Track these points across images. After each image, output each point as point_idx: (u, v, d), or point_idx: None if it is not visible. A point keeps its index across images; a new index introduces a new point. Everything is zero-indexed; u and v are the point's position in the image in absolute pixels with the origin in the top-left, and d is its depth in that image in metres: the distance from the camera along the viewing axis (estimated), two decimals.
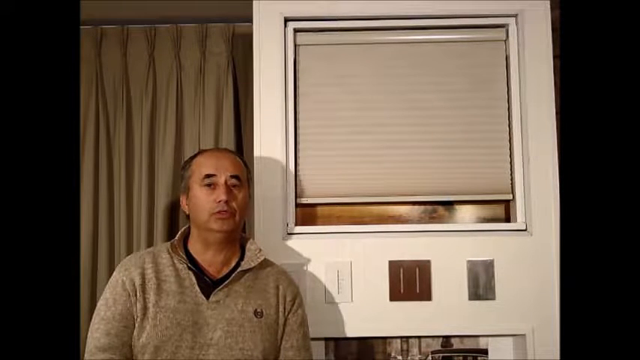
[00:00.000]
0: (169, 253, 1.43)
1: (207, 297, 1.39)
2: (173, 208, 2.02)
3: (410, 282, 1.75)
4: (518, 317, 1.74)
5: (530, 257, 1.76)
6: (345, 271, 1.76)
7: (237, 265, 1.45)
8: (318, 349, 1.74)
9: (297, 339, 1.47)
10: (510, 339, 1.79)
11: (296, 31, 1.87)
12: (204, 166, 1.46)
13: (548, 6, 1.84)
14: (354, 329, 1.75)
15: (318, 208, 1.88)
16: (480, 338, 1.80)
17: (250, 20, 1.85)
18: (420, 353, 1.81)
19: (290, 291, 1.50)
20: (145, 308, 1.36)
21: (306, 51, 1.88)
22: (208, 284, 1.41)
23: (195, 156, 1.53)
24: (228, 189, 1.43)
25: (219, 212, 1.40)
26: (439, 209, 1.90)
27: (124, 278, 1.39)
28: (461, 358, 1.81)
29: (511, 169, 1.84)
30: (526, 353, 1.72)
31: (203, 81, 2.07)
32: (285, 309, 1.47)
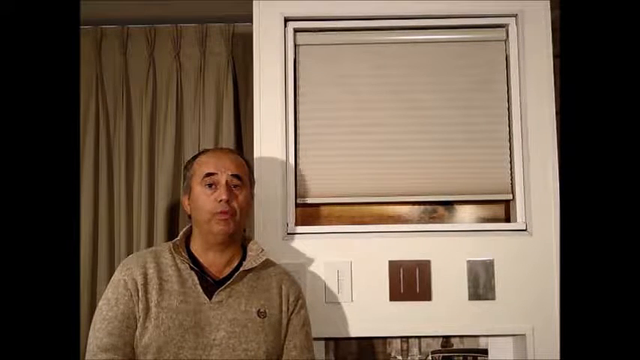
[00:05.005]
0: (171, 253, 1.43)
1: (210, 297, 1.38)
2: (173, 208, 2.02)
3: (410, 282, 1.75)
4: (518, 317, 1.74)
5: (530, 257, 1.76)
6: (345, 271, 1.76)
7: (240, 265, 1.45)
8: (319, 349, 1.74)
9: (300, 339, 1.46)
10: (510, 339, 1.79)
11: (296, 31, 1.87)
12: (205, 164, 1.46)
13: (548, 6, 1.84)
14: (354, 329, 1.75)
15: (318, 208, 1.88)
16: (480, 338, 1.80)
17: (250, 20, 1.86)
18: (420, 353, 1.81)
19: (293, 291, 1.50)
20: (147, 308, 1.35)
21: (306, 51, 1.88)
22: (211, 284, 1.40)
23: (197, 155, 1.53)
24: (229, 188, 1.43)
25: (220, 213, 1.40)
26: (439, 209, 1.90)
27: (126, 278, 1.38)
28: (461, 358, 1.81)
29: (511, 169, 1.84)
30: (526, 353, 1.72)
31: (203, 81, 2.07)
32: (288, 309, 1.47)
